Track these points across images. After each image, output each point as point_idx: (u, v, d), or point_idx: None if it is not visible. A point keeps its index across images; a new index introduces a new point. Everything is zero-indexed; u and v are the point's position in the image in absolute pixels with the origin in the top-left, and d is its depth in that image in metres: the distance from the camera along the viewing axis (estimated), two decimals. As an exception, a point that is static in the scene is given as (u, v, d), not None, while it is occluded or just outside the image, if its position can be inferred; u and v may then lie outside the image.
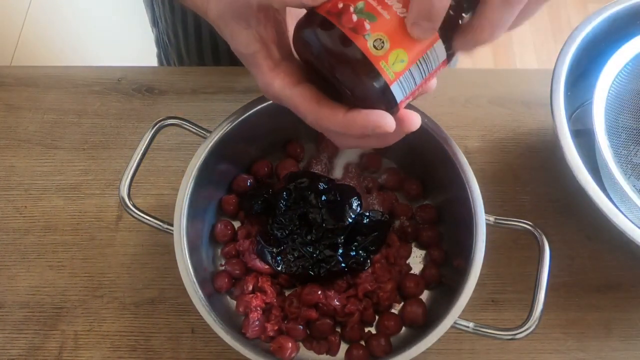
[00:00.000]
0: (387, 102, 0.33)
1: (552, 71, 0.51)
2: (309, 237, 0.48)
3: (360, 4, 0.31)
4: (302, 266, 0.47)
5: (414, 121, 0.35)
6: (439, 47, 0.32)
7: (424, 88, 0.35)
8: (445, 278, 0.50)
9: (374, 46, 0.31)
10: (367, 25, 0.31)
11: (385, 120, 0.33)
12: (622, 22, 0.55)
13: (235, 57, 0.38)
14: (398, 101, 0.33)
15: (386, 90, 0.32)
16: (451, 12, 0.31)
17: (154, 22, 0.72)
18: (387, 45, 0.31)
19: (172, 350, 0.50)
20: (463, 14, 0.31)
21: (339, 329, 0.49)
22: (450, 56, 0.33)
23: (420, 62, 0.32)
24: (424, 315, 0.48)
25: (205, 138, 0.48)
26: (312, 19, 0.32)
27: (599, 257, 0.54)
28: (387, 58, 0.31)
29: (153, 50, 0.80)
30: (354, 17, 0.31)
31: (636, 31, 0.54)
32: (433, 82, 0.35)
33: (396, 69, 0.32)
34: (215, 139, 0.48)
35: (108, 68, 0.64)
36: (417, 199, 0.54)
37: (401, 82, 0.32)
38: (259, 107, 0.49)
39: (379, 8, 0.31)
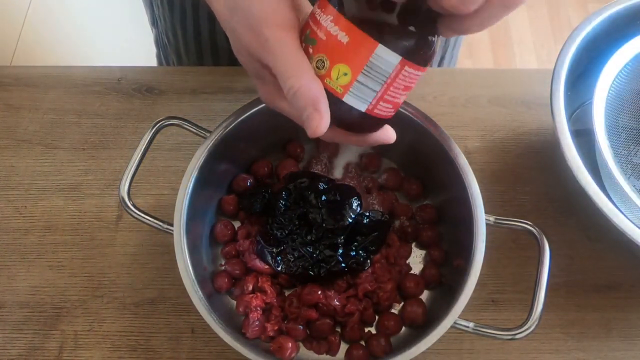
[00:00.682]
0: (349, 112, 0.35)
1: (552, 71, 0.51)
2: (309, 237, 0.48)
3: (307, 32, 0.34)
4: (302, 266, 0.47)
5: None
6: (384, 52, 0.33)
7: (402, 91, 0.36)
8: (445, 278, 0.50)
9: (317, 67, 0.33)
10: (310, 50, 0.34)
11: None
12: (622, 22, 0.55)
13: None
14: (362, 109, 0.35)
15: (341, 103, 0.34)
16: (394, 19, 0.32)
17: (153, 22, 0.72)
18: (327, 64, 0.33)
19: (172, 350, 0.50)
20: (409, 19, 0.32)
21: (339, 329, 0.49)
22: (411, 57, 0.33)
23: (368, 71, 0.33)
24: (424, 315, 0.48)
25: (205, 138, 0.48)
26: None
27: (599, 257, 0.54)
28: (330, 75, 0.33)
29: (153, 50, 0.80)
30: (303, 45, 0.34)
31: (636, 31, 0.54)
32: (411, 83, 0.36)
33: (342, 82, 0.33)
34: (215, 139, 0.48)
35: (108, 68, 0.64)
36: (417, 199, 0.54)
37: (355, 93, 0.34)
38: (259, 107, 0.49)
39: (317, 31, 0.33)
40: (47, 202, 0.56)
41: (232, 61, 0.65)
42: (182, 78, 0.63)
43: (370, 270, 0.49)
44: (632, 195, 0.47)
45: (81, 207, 0.56)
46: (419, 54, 0.34)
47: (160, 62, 0.80)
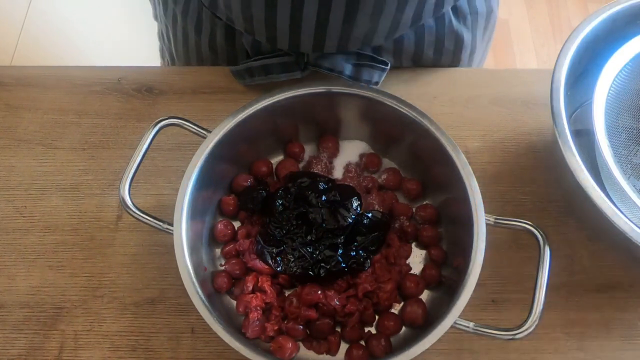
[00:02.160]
0: None
1: (552, 71, 0.51)
2: (308, 237, 0.48)
3: None
4: (302, 266, 0.47)
5: None
6: None
7: None
8: (445, 278, 0.50)
9: None
10: None
11: None
12: (622, 22, 0.55)
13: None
14: None
15: None
16: None
17: (155, 17, 0.73)
18: None
19: (172, 350, 0.50)
20: None
21: (339, 329, 0.49)
22: None
23: None
24: (424, 315, 0.48)
25: (205, 138, 0.48)
26: None
27: (599, 257, 0.54)
28: None
29: (154, 50, 0.80)
30: None
31: (636, 31, 0.54)
32: None
33: None
34: (215, 139, 0.48)
35: (108, 68, 0.64)
36: (417, 199, 0.54)
37: None
38: (259, 107, 0.49)
39: None
40: (47, 202, 0.56)
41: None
42: (182, 78, 0.63)
43: (370, 270, 0.49)
44: (632, 195, 0.47)
45: (81, 207, 0.56)
46: None
47: (162, 55, 0.79)
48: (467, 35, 0.61)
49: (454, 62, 0.64)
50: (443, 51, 0.61)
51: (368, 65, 0.56)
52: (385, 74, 0.57)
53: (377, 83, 0.57)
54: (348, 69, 0.56)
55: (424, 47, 0.59)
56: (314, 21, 0.49)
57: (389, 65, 0.57)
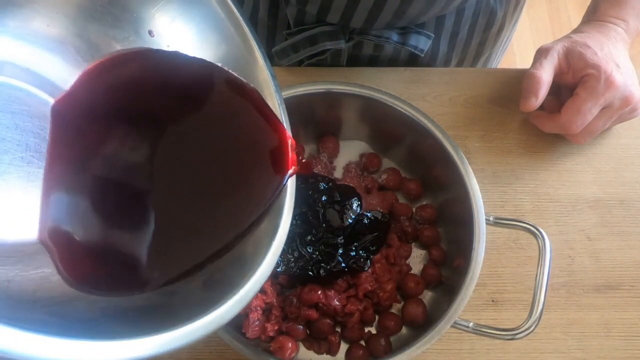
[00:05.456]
0: None
1: (552, 71, 0.51)
2: (308, 237, 0.48)
3: None
4: (302, 266, 0.47)
5: None
6: None
7: None
8: (445, 278, 0.50)
9: None
10: None
11: None
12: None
13: None
14: None
15: None
16: None
17: None
18: None
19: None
20: None
21: (339, 329, 0.49)
22: None
23: None
24: (424, 315, 0.48)
25: (205, 138, 0.48)
26: None
27: (599, 257, 0.54)
28: None
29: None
30: None
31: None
32: None
33: None
34: (215, 139, 0.48)
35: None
36: (417, 199, 0.54)
37: None
38: (259, 107, 0.49)
39: None
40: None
41: None
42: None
43: (370, 270, 0.49)
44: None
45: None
46: None
47: None
48: (499, 12, 0.61)
49: (483, 39, 0.64)
50: (476, 27, 0.61)
51: (415, 31, 0.57)
52: (429, 43, 0.57)
53: (422, 51, 0.58)
54: (395, 36, 0.57)
55: (461, 23, 0.60)
56: None
57: (432, 37, 0.58)
